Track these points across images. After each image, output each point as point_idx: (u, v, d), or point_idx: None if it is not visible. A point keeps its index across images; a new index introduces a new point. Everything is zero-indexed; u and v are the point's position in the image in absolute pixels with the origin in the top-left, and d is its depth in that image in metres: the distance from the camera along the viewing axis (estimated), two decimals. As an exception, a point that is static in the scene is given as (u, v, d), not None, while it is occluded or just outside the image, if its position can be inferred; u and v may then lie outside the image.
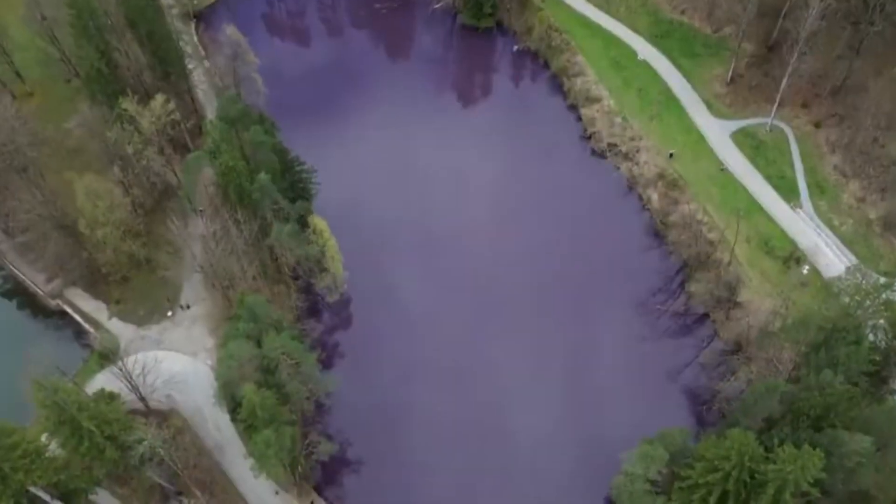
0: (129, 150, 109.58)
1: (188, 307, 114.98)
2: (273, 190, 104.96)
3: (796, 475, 75.21)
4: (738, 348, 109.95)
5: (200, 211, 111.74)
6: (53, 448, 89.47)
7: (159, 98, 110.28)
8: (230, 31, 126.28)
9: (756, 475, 79.62)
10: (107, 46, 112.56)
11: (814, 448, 76.76)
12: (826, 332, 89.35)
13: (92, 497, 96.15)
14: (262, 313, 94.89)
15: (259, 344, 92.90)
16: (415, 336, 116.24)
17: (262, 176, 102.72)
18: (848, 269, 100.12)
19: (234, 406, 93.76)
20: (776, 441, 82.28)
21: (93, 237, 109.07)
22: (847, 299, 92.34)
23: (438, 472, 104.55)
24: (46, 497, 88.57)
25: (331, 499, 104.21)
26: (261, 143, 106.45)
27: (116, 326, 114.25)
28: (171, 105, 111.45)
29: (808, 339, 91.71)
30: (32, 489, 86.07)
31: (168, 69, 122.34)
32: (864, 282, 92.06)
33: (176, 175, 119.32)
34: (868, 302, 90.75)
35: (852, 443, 78.96)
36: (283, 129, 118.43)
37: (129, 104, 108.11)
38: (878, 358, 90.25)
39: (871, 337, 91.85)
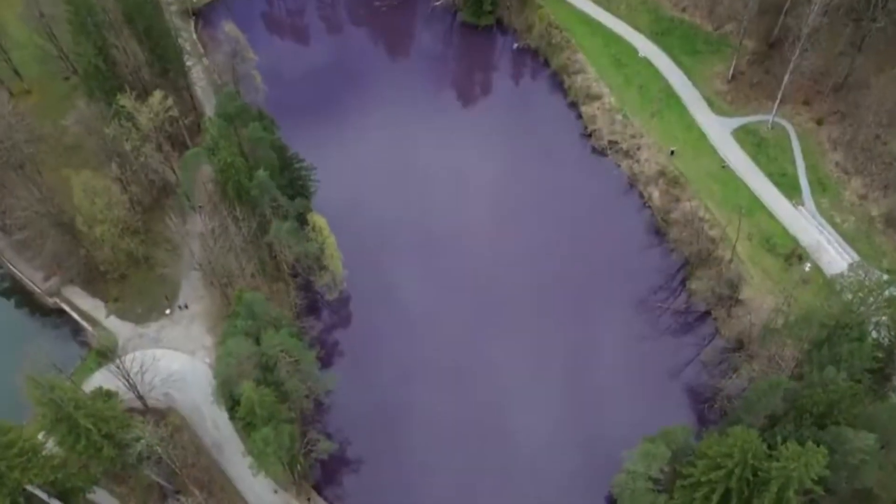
0: (127, 146, 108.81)
1: (186, 307, 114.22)
2: (272, 187, 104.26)
3: (800, 472, 74.40)
4: (739, 346, 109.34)
5: (199, 207, 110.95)
6: (50, 446, 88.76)
7: (157, 94, 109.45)
8: (229, 27, 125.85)
9: (759, 473, 78.83)
10: (104, 43, 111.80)
11: (817, 445, 75.98)
12: (829, 329, 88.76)
13: (90, 496, 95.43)
14: (260, 311, 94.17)
15: (258, 341, 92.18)
16: (414, 335, 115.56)
17: (261, 172, 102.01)
18: (850, 265, 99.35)
19: (232, 404, 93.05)
20: (779, 439, 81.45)
21: (90, 234, 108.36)
22: (850, 296, 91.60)
23: (438, 472, 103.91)
24: (43, 496, 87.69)
25: (330, 498, 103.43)
26: (259, 140, 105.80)
27: (114, 324, 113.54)
28: (169, 101, 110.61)
29: (811, 335, 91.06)
30: (29, 488, 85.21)
31: (166, 66, 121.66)
32: (867, 278, 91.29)
33: (174, 172, 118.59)
34: (871, 298, 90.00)
35: (856, 440, 78.20)
36: (282, 127, 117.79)
37: (126, 100, 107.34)
38: (881, 355, 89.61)
39: (874, 334, 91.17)
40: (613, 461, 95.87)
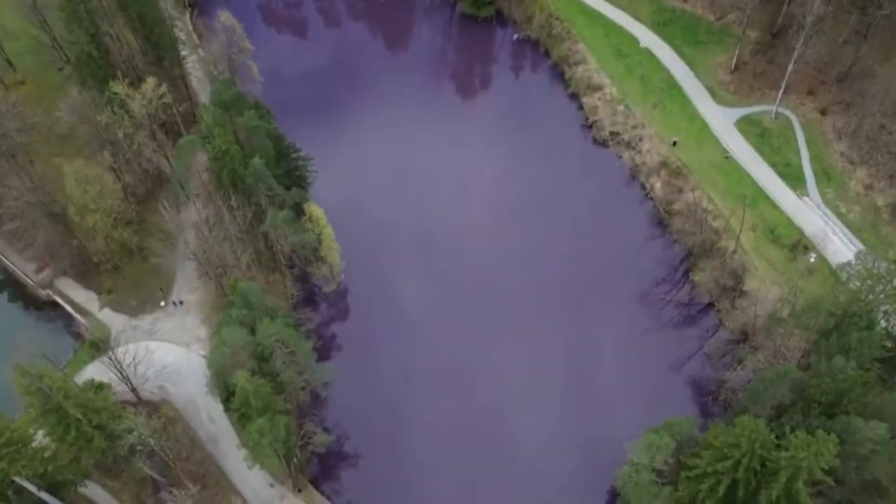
0: (120, 134, 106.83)
1: (181, 303, 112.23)
2: (267, 175, 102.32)
3: (810, 462, 72.45)
4: (744, 338, 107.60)
5: (195, 195, 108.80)
6: (40, 439, 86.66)
7: (151, 81, 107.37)
8: (225, 17, 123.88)
9: (767, 463, 76.90)
10: (97, 30, 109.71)
11: (827, 434, 73.96)
12: (837, 318, 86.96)
13: (82, 490, 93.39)
14: (256, 300, 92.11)
15: (253, 331, 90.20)
16: (414, 327, 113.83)
17: (256, 160, 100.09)
18: (857, 254, 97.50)
19: (226, 395, 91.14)
20: (787, 429, 79.58)
21: (83, 224, 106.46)
22: (858, 284, 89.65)
23: (437, 466, 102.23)
24: (33, 488, 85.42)
25: (327, 492, 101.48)
26: (255, 128, 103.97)
27: (108, 317, 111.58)
28: (163, 88, 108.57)
29: (818, 324, 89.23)
30: (18, 480, 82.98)
31: (161, 54, 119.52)
32: (875, 266, 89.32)
33: (169, 162, 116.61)
34: (880, 287, 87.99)
35: (867, 429, 76.32)
36: (278, 119, 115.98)
37: (119, 87, 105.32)
38: (889, 344, 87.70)
39: (882, 323, 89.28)
40: (617, 456, 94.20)
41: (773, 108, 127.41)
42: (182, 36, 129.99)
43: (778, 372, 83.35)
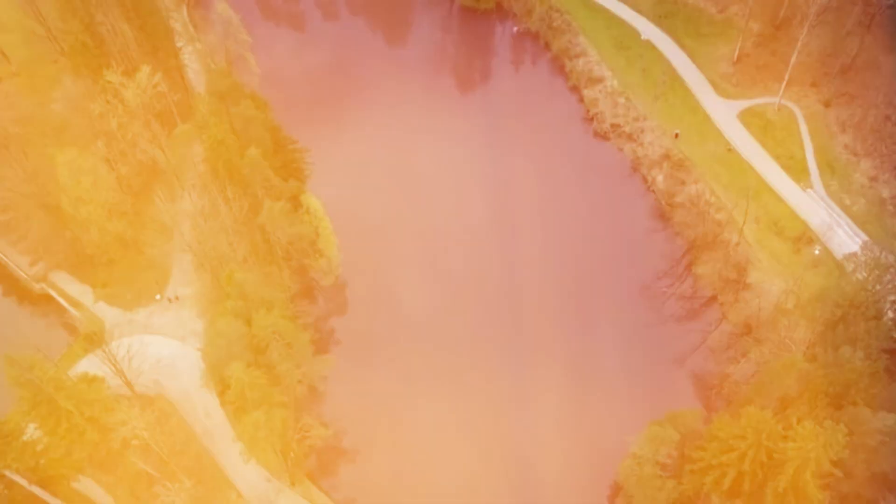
0: (114, 124, 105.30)
1: (176, 299, 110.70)
2: (264, 166, 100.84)
3: (818, 453, 70.92)
4: (747, 330, 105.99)
5: (191, 187, 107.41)
6: (32, 432, 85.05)
7: (145, 69, 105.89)
8: (221, 8, 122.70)
9: (774, 455, 75.32)
10: (91, 20, 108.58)
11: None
12: (843, 309, 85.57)
13: (75, 485, 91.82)
14: (252, 291, 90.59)
15: (249, 323, 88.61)
16: (413, 322, 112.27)
17: (252, 150, 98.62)
18: (863, 244, 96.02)
19: (222, 388, 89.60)
20: (794, 420, 77.96)
21: (77, 216, 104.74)
22: (865, 274, 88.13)
23: (435, 462, 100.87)
24: (24, 483, 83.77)
25: (325, 488, 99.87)
26: (251, 119, 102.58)
27: (102, 310, 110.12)
28: (157, 77, 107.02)
29: (824, 315, 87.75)
30: (9, 474, 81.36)
31: (156, 44, 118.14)
32: (882, 255, 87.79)
33: (164, 153, 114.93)
34: (888, 276, 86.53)
35: (875, 421, 74.81)
36: (276, 113, 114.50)
37: (113, 76, 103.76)
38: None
39: (890, 313, 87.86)
40: (620, 450, 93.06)
41: (776, 100, 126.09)
42: (178, 27, 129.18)
43: (784, 363, 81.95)
